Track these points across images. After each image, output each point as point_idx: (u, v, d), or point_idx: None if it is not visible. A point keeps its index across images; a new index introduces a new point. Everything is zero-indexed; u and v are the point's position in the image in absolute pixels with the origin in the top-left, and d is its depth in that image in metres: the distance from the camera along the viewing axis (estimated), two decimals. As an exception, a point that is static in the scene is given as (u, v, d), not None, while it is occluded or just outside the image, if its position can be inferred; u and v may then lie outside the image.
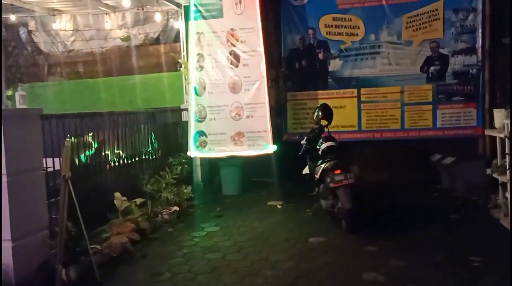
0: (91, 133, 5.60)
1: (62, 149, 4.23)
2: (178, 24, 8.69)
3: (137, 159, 6.55)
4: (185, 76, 8.11)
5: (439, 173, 7.64)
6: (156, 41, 9.38)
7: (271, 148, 7.23)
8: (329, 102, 7.35)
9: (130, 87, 9.41)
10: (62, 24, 9.49)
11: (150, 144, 7.02)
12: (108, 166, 5.92)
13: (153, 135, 7.11)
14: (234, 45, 7.29)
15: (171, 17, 8.99)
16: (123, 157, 6.23)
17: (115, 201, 5.34)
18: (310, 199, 6.50)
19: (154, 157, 7.07)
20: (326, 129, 6.38)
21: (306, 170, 6.54)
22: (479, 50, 7.71)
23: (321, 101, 8.03)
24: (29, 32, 9.70)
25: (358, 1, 8.17)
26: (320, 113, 6.39)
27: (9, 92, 9.94)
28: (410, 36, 8.03)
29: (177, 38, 8.98)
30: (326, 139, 6.01)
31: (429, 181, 7.66)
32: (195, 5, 7.42)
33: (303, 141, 6.40)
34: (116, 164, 6.05)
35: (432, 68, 7.95)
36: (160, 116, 7.69)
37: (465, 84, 7.80)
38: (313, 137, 6.30)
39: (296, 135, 8.14)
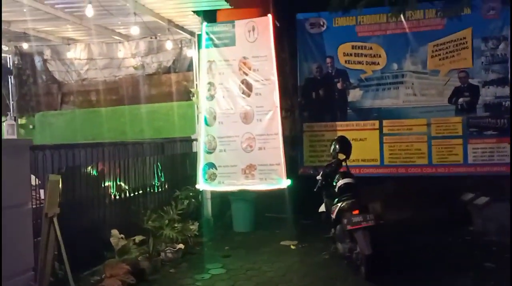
0: (91, 165, 5.21)
1: (46, 184, 3.82)
2: (191, 52, 8.42)
3: (140, 192, 6.13)
4: (197, 106, 7.76)
5: (470, 214, 6.97)
6: (169, 70, 9.13)
7: (285, 183, 6.72)
8: (348, 134, 6.94)
9: (142, 116, 9.11)
10: (76, 53, 9.35)
11: (156, 176, 6.61)
12: (107, 200, 5.51)
13: (159, 166, 6.71)
14: (246, 74, 6.92)
15: (184, 46, 8.74)
16: (125, 190, 5.82)
17: (111, 239, 4.90)
18: (327, 239, 5.92)
19: (159, 189, 6.64)
20: (344, 164, 5.85)
21: (322, 208, 6.00)
22: (512, 81, 7.14)
23: (339, 133, 7.57)
24: (44, 61, 9.60)
25: (379, 29, 7.76)
26: (337, 146, 5.88)
27: (23, 121, 9.80)
28: (436, 65, 7.53)
29: (190, 67, 8.71)
30: (343, 175, 5.47)
31: (459, 223, 6.99)
32: (207, 33, 7.13)
33: (318, 177, 5.87)
34: (117, 197, 5.63)
35: (461, 99, 7.40)
36: (169, 146, 7.32)
37: (498, 117, 7.20)
38: (329, 173, 5.78)
39: (312, 169, 7.60)
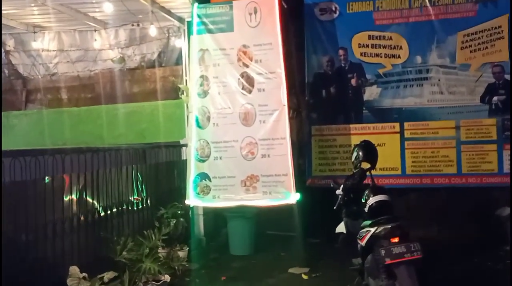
0: (46, 178, 3.97)
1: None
2: (180, 43, 7.21)
3: (114, 212, 4.89)
4: (187, 105, 6.57)
5: (507, 231, 5.87)
6: (154, 63, 7.88)
7: (294, 197, 5.55)
8: (365, 138, 5.80)
9: (122, 117, 7.86)
10: (44, 43, 8.04)
11: (135, 191, 5.38)
12: (68, 225, 4.25)
13: (140, 178, 5.48)
14: (247, 66, 5.75)
15: (172, 35, 7.52)
16: (94, 210, 4.57)
17: (68, 281, 3.64)
18: (347, 267, 4.76)
19: (139, 208, 5.41)
20: (368, 174, 4.69)
21: (340, 228, 4.84)
22: (557, 76, 6.09)
23: (354, 137, 6.56)
24: (7, 52, 8.26)
25: (400, 16, 6.65)
26: (360, 153, 4.73)
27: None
28: (466, 58, 6.45)
29: (179, 61, 7.51)
30: (375, 191, 4.32)
31: (494, 242, 5.97)
32: (199, 16, 5.93)
33: (338, 191, 4.69)
34: (82, 221, 4.38)
35: (495, 98, 6.33)
36: (153, 153, 6.10)
37: (540, 119, 6.15)
38: (352, 187, 4.61)
39: (322, 180, 6.48)
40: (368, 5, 6.73)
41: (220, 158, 5.70)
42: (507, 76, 6.31)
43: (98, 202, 4.65)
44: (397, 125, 6.58)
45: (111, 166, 4.93)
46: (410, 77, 6.61)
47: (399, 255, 3.70)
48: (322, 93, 6.87)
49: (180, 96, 6.93)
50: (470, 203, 6.45)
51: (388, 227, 3.87)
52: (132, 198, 5.30)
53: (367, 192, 4.34)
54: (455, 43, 6.48)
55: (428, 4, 6.55)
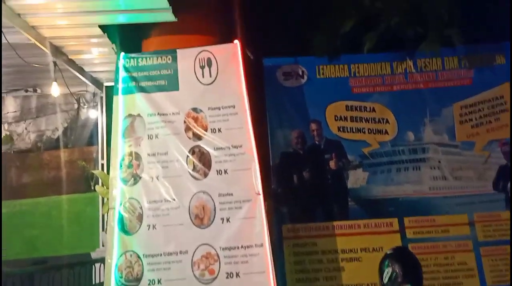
0: None
1: None
2: (96, 114, 5.24)
3: None
4: (104, 199, 4.48)
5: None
6: (57, 143, 5.74)
7: None
8: (356, 241, 4.66)
9: (5, 220, 5.42)
10: None
11: None
12: None
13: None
14: (199, 137, 3.95)
15: (84, 105, 5.53)
16: None
17: None
18: None
19: None
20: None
21: None
22: None
23: (341, 240, 4.88)
24: None
25: (382, 83, 5.33)
26: (397, 270, 2.96)
27: None
28: (468, 135, 5.17)
29: (92, 139, 5.47)
30: None
31: None
32: (127, 70, 4.12)
33: None
34: None
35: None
36: (48, 279, 3.79)
37: None
38: None
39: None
40: (343, 69, 5.36)
41: (159, 282, 3.56)
42: (520, 157, 5.08)
43: None
44: (395, 221, 4.92)
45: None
46: (403, 158, 5.14)
47: None
48: (293, 179, 5.12)
49: (92, 187, 4.82)
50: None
51: None
52: None
53: None
54: (452, 116, 5.22)
55: (413, 70, 5.35)
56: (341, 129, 5.21)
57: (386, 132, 5.20)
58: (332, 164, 5.13)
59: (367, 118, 5.25)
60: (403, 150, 5.16)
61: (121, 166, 3.92)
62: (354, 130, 5.22)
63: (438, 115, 5.22)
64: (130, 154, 3.94)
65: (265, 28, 5.35)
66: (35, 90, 5.42)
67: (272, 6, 5.37)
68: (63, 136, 5.86)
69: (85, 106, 5.63)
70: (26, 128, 5.69)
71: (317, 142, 5.20)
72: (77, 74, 4.85)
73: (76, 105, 5.68)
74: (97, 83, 5.16)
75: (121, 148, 3.96)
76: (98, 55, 4.69)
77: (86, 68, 4.92)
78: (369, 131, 5.21)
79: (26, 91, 5.43)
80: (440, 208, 4.99)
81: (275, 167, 5.13)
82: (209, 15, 4.55)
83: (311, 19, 5.35)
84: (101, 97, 5.21)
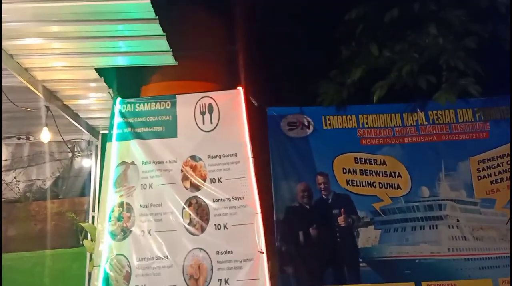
0: None
1: None
2: (89, 163, 4.95)
3: None
4: (91, 255, 4.08)
5: None
6: (47, 194, 5.40)
7: None
8: None
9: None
10: None
11: None
12: None
13: None
14: (197, 188, 3.62)
15: (78, 154, 5.24)
16: None
17: None
18: None
19: None
20: None
21: None
22: None
23: None
24: None
25: (392, 135, 5.06)
26: None
27: None
28: (488, 191, 4.83)
29: (85, 190, 5.13)
30: None
31: None
32: (123, 115, 3.87)
33: None
34: None
35: (537, 246, 4.58)
36: None
37: None
38: None
39: None
40: (350, 120, 5.12)
41: None
42: (544, 216, 4.69)
43: None
44: (411, 286, 4.48)
45: None
46: (418, 215, 4.76)
47: None
48: (299, 237, 4.72)
49: (81, 241, 4.44)
50: None
51: None
52: None
53: None
54: (468, 171, 4.89)
55: (425, 122, 5.08)
56: (350, 183, 4.89)
57: (399, 187, 4.86)
58: (341, 220, 4.77)
59: (377, 171, 4.94)
60: (418, 206, 4.80)
61: (110, 218, 3.57)
62: (364, 184, 4.89)
63: (454, 169, 4.90)
64: (121, 205, 3.59)
65: (270, 77, 5.15)
66: (28, 138, 5.16)
67: (278, 55, 5.19)
68: (54, 186, 5.52)
69: (79, 155, 5.34)
70: (15, 178, 5.37)
71: (324, 196, 4.85)
72: (72, 121, 4.59)
73: (70, 154, 5.40)
74: (92, 131, 4.89)
75: (111, 198, 3.62)
76: (95, 101, 4.45)
77: (82, 115, 4.65)
78: (380, 185, 4.88)
79: (19, 138, 5.16)
80: (461, 272, 4.55)
81: (279, 223, 4.75)
82: (212, 61, 4.37)
83: (317, 68, 5.16)
84: (96, 146, 4.92)
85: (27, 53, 3.58)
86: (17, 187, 5.34)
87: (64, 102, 4.35)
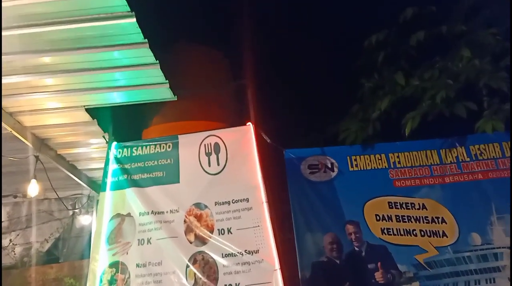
0: None
1: None
2: (90, 221, 4.44)
3: None
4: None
5: None
6: (46, 257, 4.86)
7: None
8: None
9: None
10: None
11: None
12: None
13: None
14: (204, 241, 3.04)
15: (79, 212, 4.74)
16: None
17: None
18: None
19: None
20: None
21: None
22: None
23: None
24: None
25: (430, 175, 4.43)
26: None
27: None
28: (550, 234, 4.08)
29: (86, 251, 4.57)
30: None
31: None
32: (117, 160, 3.39)
33: None
34: None
35: None
36: None
37: None
38: None
39: None
40: (380, 159, 4.53)
41: None
42: None
43: None
44: None
45: None
46: (471, 267, 4.04)
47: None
48: (330, 298, 4.02)
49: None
50: None
51: None
52: None
53: None
54: (525, 213, 4.19)
55: (467, 158, 4.45)
56: (386, 231, 4.22)
57: (444, 234, 4.17)
58: (378, 276, 4.06)
59: (417, 217, 4.28)
60: (470, 257, 4.07)
61: (101, 282, 2.99)
62: (402, 232, 4.22)
63: (507, 211, 4.20)
64: (114, 265, 3.02)
65: (282, 113, 4.66)
66: (24, 196, 4.73)
67: (291, 89, 4.74)
68: (54, 248, 5.01)
69: (80, 213, 4.85)
70: (10, 241, 4.88)
71: (357, 248, 4.19)
72: (69, 173, 4.13)
73: (70, 212, 4.91)
74: (93, 184, 4.42)
75: (103, 257, 3.06)
76: (94, 149, 4.00)
77: (79, 166, 4.20)
78: (422, 233, 4.20)
79: (15, 196, 4.73)
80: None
81: (305, 281, 4.07)
82: (217, 98, 3.94)
83: (336, 103, 4.67)
84: (97, 201, 4.44)
85: (10, 93, 3.18)
86: (13, 251, 4.83)
87: (58, 152, 3.90)
